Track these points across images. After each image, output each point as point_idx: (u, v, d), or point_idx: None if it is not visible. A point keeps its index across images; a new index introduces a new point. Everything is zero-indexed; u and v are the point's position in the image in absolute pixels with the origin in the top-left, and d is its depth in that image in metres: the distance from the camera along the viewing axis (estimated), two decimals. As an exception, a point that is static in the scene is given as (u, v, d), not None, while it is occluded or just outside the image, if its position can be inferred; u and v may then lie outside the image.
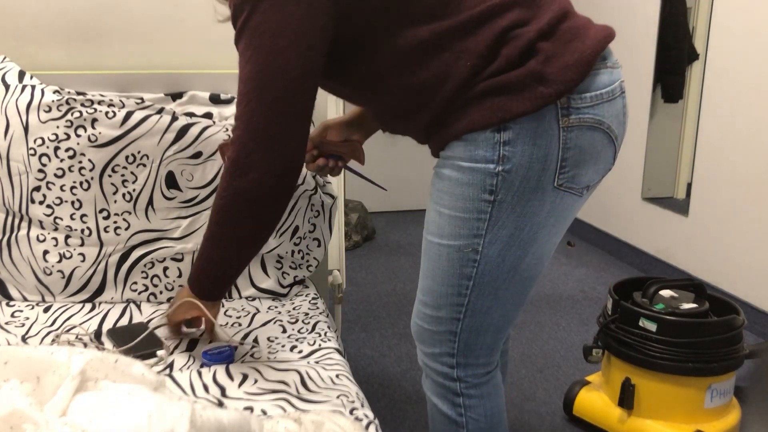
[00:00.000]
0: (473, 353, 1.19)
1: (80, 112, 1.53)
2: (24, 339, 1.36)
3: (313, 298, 1.62)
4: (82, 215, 1.54)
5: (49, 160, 1.52)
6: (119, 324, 1.45)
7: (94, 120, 1.53)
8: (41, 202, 1.53)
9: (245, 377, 1.20)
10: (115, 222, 1.55)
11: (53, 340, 1.35)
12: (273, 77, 1.02)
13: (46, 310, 1.50)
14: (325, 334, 1.41)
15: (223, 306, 1.55)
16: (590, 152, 1.08)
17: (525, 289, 1.17)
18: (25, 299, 1.55)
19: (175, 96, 1.70)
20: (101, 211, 1.54)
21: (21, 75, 1.59)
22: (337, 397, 1.14)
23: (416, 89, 1.07)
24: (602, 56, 1.08)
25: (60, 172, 1.52)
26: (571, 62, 1.03)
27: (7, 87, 1.55)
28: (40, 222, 1.54)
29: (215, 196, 1.13)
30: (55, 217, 1.53)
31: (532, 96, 1.02)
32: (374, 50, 1.06)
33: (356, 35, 1.06)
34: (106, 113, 1.53)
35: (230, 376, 1.20)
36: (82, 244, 1.54)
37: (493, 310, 1.16)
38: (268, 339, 1.39)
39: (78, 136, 1.52)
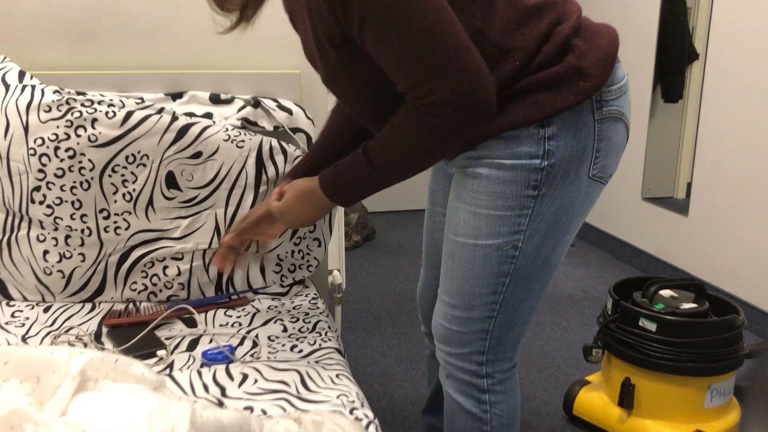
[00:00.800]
0: (501, 348, 1.21)
1: (80, 112, 1.53)
2: (24, 339, 1.36)
3: (313, 298, 1.62)
4: (82, 215, 1.54)
5: (49, 160, 1.52)
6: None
7: (94, 120, 1.53)
8: (41, 202, 1.53)
9: (245, 377, 1.20)
10: (115, 222, 1.55)
11: (53, 341, 1.35)
12: (430, 28, 0.97)
13: (46, 310, 1.50)
14: (325, 333, 1.41)
15: (224, 305, 1.55)
16: (616, 142, 1.14)
17: (550, 279, 1.20)
18: (25, 299, 1.55)
19: (175, 96, 1.70)
20: (101, 211, 1.54)
21: (21, 75, 1.59)
22: (337, 397, 1.14)
23: None
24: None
25: (60, 172, 1.52)
26: (601, 56, 1.08)
27: (7, 87, 1.55)
28: (40, 222, 1.54)
29: (405, 132, 1.04)
30: (55, 217, 1.53)
31: (573, 90, 1.06)
32: None
33: None
34: (106, 113, 1.54)
35: (230, 376, 1.21)
36: (82, 244, 1.54)
37: (524, 303, 1.18)
38: (269, 338, 1.39)
39: (78, 136, 1.52)
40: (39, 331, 1.39)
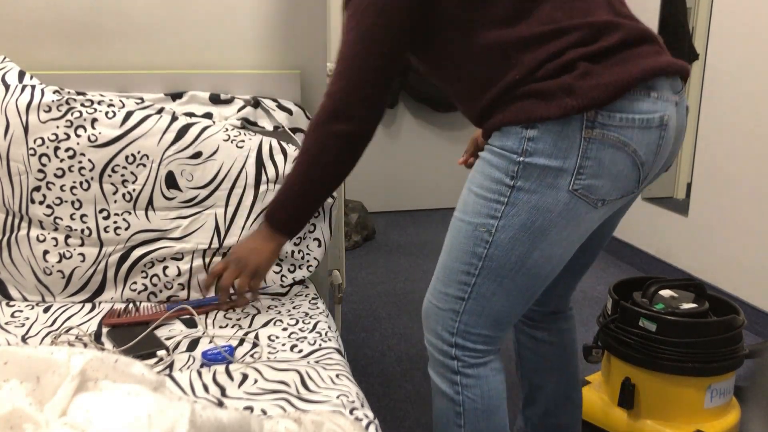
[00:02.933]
0: (471, 337, 1.27)
1: (80, 112, 1.53)
2: (24, 339, 1.36)
3: (313, 298, 1.62)
4: (82, 215, 1.54)
5: (49, 160, 1.52)
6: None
7: (94, 120, 1.53)
8: (41, 202, 1.53)
9: (245, 377, 1.20)
10: (115, 222, 1.55)
11: (53, 341, 1.35)
12: (371, 49, 1.22)
13: (46, 310, 1.50)
14: (325, 334, 1.41)
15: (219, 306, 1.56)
16: (609, 168, 1.16)
17: (531, 286, 1.24)
18: (25, 299, 1.55)
19: (175, 96, 1.70)
20: (101, 211, 1.54)
21: (21, 75, 1.59)
22: (337, 397, 1.14)
23: (473, 83, 1.23)
24: (649, 86, 1.16)
25: (60, 172, 1.52)
26: (605, 81, 1.13)
27: (7, 87, 1.55)
28: (40, 222, 1.54)
29: (305, 140, 1.30)
30: (55, 217, 1.53)
31: (558, 105, 1.14)
32: (448, 40, 1.22)
33: (437, 24, 1.22)
34: (106, 113, 1.54)
35: (230, 376, 1.21)
36: (82, 244, 1.54)
37: (496, 297, 1.24)
38: (269, 339, 1.39)
39: (78, 136, 1.52)
40: (39, 331, 1.39)
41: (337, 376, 1.22)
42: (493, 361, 1.30)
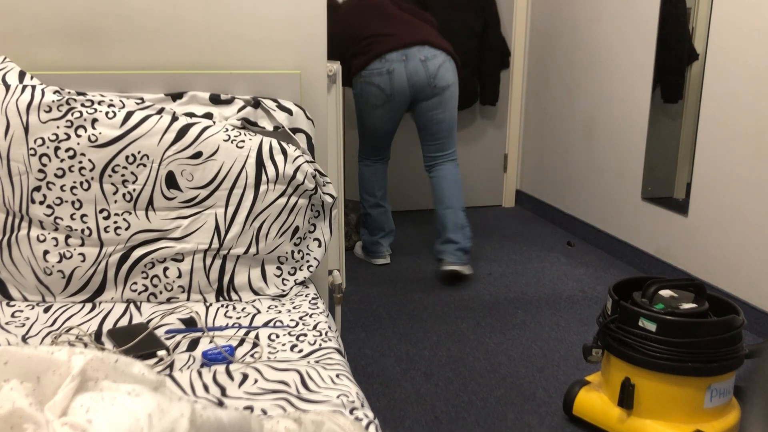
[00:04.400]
0: (360, 153, 3.17)
1: (80, 112, 1.53)
2: (24, 339, 1.36)
3: (313, 298, 1.62)
4: (82, 215, 1.54)
5: (50, 160, 1.52)
6: (119, 324, 1.45)
7: (95, 120, 1.53)
8: (41, 202, 1.53)
9: (245, 377, 1.20)
10: (115, 222, 1.55)
11: (53, 341, 1.35)
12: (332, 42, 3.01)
13: (46, 310, 1.50)
14: (326, 333, 1.41)
15: (224, 307, 1.56)
16: (368, 92, 2.89)
17: (372, 135, 3.06)
18: (26, 299, 1.55)
19: (175, 96, 1.70)
20: (101, 211, 1.54)
21: (21, 75, 1.59)
22: (337, 397, 1.14)
23: None
24: (380, 56, 2.83)
25: (60, 172, 1.53)
26: (360, 61, 2.87)
27: (7, 87, 1.56)
28: (41, 222, 1.54)
29: None
30: (56, 217, 1.53)
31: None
32: None
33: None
34: (106, 113, 1.54)
35: (230, 376, 1.21)
36: (83, 244, 1.55)
37: (366, 135, 3.09)
38: (269, 339, 1.39)
39: (78, 136, 1.52)
40: (39, 331, 1.40)
41: (337, 376, 1.23)
42: (372, 165, 3.14)
